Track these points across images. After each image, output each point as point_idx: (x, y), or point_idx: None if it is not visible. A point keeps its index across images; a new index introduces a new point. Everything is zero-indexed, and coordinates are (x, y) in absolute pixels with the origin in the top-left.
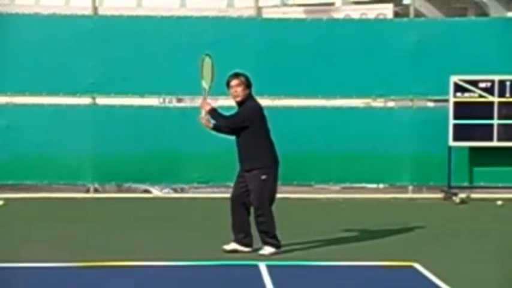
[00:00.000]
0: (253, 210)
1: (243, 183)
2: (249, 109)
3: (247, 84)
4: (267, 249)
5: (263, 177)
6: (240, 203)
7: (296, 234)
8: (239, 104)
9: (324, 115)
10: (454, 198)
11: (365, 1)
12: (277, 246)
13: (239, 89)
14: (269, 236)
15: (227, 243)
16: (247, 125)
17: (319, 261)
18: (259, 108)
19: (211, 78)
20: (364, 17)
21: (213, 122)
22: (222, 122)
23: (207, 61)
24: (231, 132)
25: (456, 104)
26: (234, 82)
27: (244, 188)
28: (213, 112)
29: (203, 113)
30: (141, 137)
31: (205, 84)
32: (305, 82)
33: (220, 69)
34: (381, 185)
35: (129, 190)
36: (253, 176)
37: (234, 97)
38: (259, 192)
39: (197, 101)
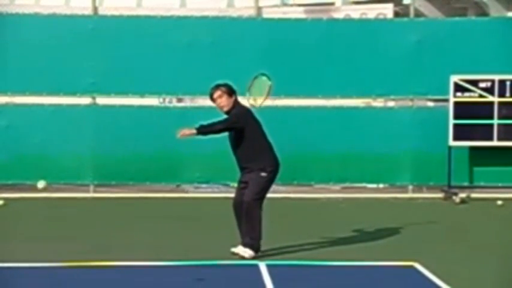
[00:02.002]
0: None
1: (244, 190)
2: (238, 111)
3: (229, 93)
4: (248, 252)
5: (262, 174)
6: (237, 212)
7: (296, 234)
8: (228, 113)
9: (324, 115)
10: (454, 198)
11: (365, 1)
12: (257, 249)
13: (223, 100)
14: (253, 238)
15: (228, 242)
16: (242, 126)
17: (319, 261)
18: (249, 111)
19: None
20: (364, 17)
21: (196, 127)
22: (214, 127)
23: (263, 80)
24: (221, 131)
25: (456, 103)
26: (215, 94)
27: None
28: (200, 129)
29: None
30: (141, 137)
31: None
32: (305, 82)
33: (220, 69)
34: (381, 185)
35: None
36: (253, 175)
37: (221, 108)
38: (254, 187)
39: (197, 101)
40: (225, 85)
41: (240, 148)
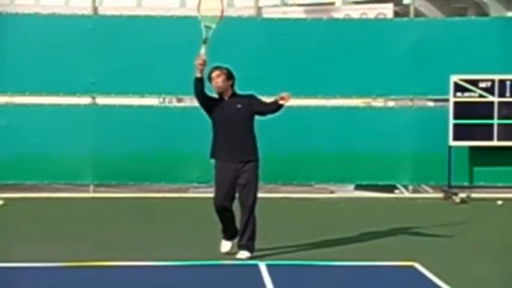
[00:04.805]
0: (241, 209)
1: (227, 186)
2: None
3: (228, 76)
4: (245, 254)
5: (256, 172)
6: (228, 209)
7: (296, 234)
8: (220, 94)
9: (324, 115)
10: (454, 198)
11: (365, 1)
12: (253, 251)
13: (220, 80)
14: (253, 239)
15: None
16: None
17: (319, 261)
18: None
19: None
20: (364, 16)
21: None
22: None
23: None
24: None
25: (456, 103)
26: (214, 73)
27: (231, 190)
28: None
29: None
30: (141, 137)
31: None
32: (305, 82)
33: None
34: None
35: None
36: (250, 169)
37: (217, 88)
38: (255, 189)
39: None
40: (226, 68)
41: (245, 133)
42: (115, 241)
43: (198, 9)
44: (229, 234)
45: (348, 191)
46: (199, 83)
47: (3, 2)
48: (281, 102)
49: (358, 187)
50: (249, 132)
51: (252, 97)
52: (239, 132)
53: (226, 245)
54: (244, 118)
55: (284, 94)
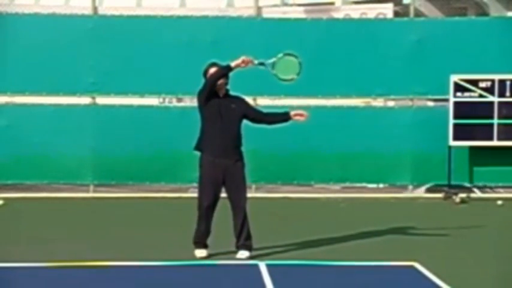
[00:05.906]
0: (234, 210)
1: (216, 185)
2: None
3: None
4: (245, 253)
5: (244, 170)
6: (213, 209)
7: (296, 234)
8: (215, 91)
9: (324, 115)
10: (454, 198)
11: (365, 1)
12: (252, 249)
13: None
14: (250, 238)
15: (227, 242)
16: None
17: (319, 261)
18: None
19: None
20: (364, 16)
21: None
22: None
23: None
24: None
25: (456, 103)
26: (213, 69)
27: (219, 189)
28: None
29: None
30: (141, 137)
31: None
32: (305, 82)
33: None
34: (381, 185)
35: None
36: (239, 169)
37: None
38: (245, 190)
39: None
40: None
41: (237, 131)
42: (115, 241)
43: (285, 56)
44: (203, 243)
45: (419, 193)
46: (225, 71)
47: (3, 2)
48: (296, 118)
49: (429, 190)
50: (239, 133)
51: (243, 100)
52: (230, 131)
53: (203, 252)
54: (237, 118)
55: (302, 111)
